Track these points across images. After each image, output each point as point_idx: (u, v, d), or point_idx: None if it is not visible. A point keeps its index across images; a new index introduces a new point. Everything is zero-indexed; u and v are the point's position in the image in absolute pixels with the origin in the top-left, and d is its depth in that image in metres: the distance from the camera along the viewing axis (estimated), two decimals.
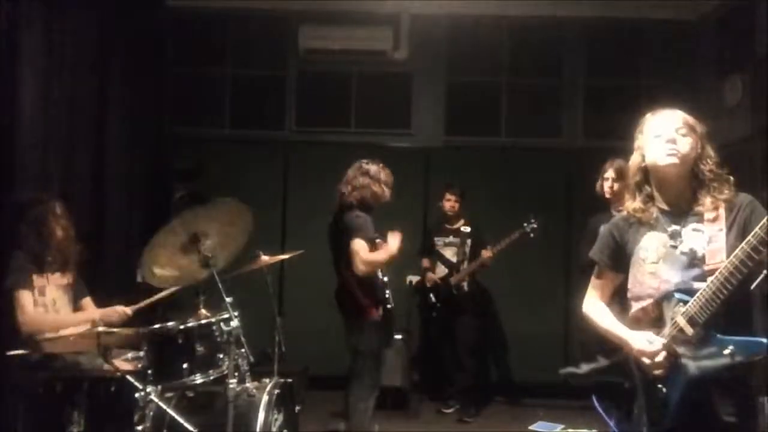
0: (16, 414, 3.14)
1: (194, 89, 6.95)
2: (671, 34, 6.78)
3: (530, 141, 6.92)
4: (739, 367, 2.10)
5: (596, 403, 2.44)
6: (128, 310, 3.71)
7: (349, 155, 6.73)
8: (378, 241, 4.50)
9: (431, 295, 6.12)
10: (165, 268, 3.51)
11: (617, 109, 6.48)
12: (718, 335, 2.11)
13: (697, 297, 2.13)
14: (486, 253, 5.82)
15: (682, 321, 2.17)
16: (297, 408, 3.91)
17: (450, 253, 6.13)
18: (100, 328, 3.11)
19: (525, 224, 5.79)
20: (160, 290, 3.74)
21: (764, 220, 2.00)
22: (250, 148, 6.82)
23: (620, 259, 2.40)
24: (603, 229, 2.54)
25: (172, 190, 6.41)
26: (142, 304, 3.77)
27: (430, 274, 6.14)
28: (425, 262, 6.25)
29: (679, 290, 2.20)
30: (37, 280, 3.59)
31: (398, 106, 7.00)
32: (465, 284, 6.02)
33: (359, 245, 4.25)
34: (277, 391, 3.50)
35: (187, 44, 6.87)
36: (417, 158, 6.89)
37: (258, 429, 3.30)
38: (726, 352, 2.07)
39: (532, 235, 5.80)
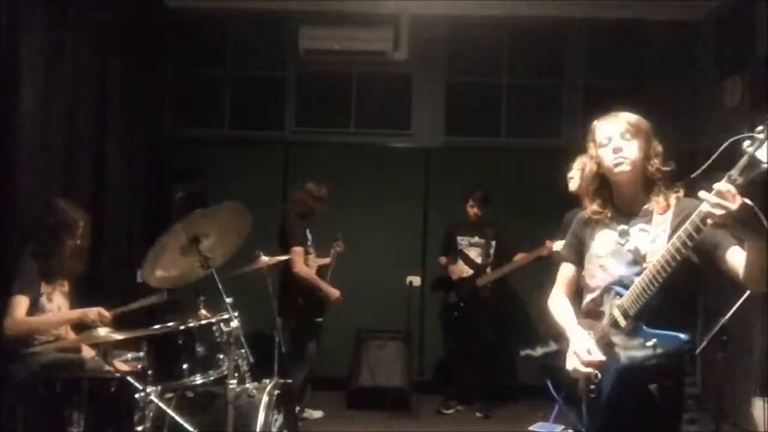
0: (16, 414, 3.13)
1: (194, 89, 6.94)
2: (671, 35, 6.77)
3: (530, 141, 6.92)
4: (666, 356, 2.18)
5: (549, 384, 2.55)
6: (107, 314, 3.53)
7: (349, 155, 6.80)
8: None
9: (453, 293, 6.08)
10: (165, 269, 3.52)
11: (617, 109, 6.48)
12: (645, 328, 2.20)
13: (631, 290, 2.24)
14: (549, 244, 5.33)
15: (617, 312, 2.28)
16: (297, 408, 3.91)
17: (475, 254, 6.12)
18: (102, 332, 3.11)
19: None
20: (156, 292, 3.70)
21: (693, 216, 2.01)
22: (250, 149, 6.82)
23: (581, 255, 2.51)
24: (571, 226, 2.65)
25: (172, 191, 6.41)
26: (124, 308, 3.62)
27: (453, 267, 6.06)
28: (443, 260, 6.21)
29: (619, 284, 2.31)
30: (45, 287, 3.58)
31: (398, 107, 6.99)
32: (488, 284, 6.03)
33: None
34: (277, 392, 3.50)
35: (187, 44, 6.87)
36: (417, 158, 6.89)
37: (258, 429, 3.30)
38: (649, 344, 2.18)
39: None
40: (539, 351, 2.54)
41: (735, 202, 1.88)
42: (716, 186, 1.92)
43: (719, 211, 1.89)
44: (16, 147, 3.99)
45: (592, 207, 2.44)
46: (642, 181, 2.33)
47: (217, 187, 6.52)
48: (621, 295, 2.27)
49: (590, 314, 2.42)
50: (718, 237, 2.14)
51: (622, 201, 2.39)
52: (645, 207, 2.33)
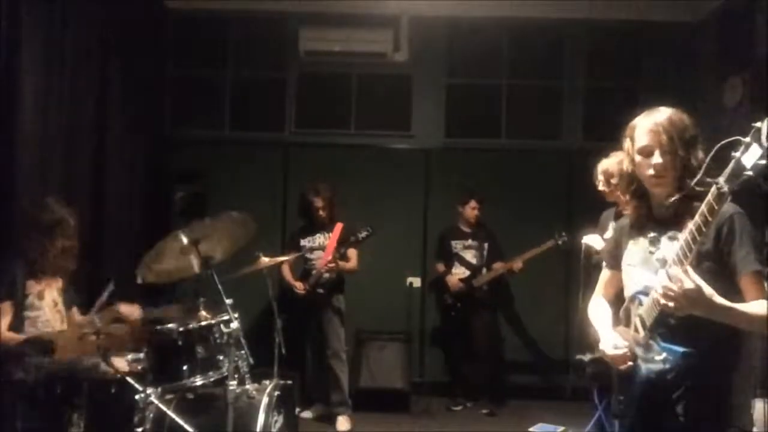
0: (16, 415, 3.13)
1: (194, 90, 6.94)
2: (671, 35, 6.77)
3: (530, 142, 6.91)
4: (687, 371, 2.08)
5: (595, 391, 2.51)
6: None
7: (349, 156, 6.79)
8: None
9: (449, 294, 6.18)
10: (163, 263, 3.57)
11: (617, 110, 6.45)
12: (659, 340, 2.13)
13: (647, 301, 2.17)
14: (514, 264, 6.02)
15: (637, 322, 2.22)
16: (297, 409, 3.91)
17: (470, 256, 6.22)
18: (98, 324, 3.11)
19: (556, 236, 5.88)
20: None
21: (694, 219, 1.93)
22: (250, 150, 6.81)
23: (617, 259, 2.43)
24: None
25: (172, 191, 6.40)
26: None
27: (453, 279, 6.17)
28: (440, 267, 6.30)
29: (644, 293, 2.21)
30: (34, 286, 3.54)
31: (398, 108, 6.99)
32: (484, 285, 6.17)
33: None
34: (277, 393, 3.49)
35: (187, 45, 6.86)
36: (417, 160, 6.89)
37: (258, 431, 3.29)
38: (658, 358, 2.11)
39: (560, 243, 5.90)
40: (588, 356, 2.49)
41: (683, 289, 1.90)
42: (668, 271, 1.94)
43: (667, 299, 1.93)
44: (16, 147, 3.99)
45: (628, 209, 2.35)
46: (678, 187, 2.14)
47: (218, 188, 6.52)
48: (643, 305, 2.21)
49: (624, 322, 2.35)
50: (736, 257, 2.06)
51: (656, 207, 2.25)
52: (679, 214, 2.13)
